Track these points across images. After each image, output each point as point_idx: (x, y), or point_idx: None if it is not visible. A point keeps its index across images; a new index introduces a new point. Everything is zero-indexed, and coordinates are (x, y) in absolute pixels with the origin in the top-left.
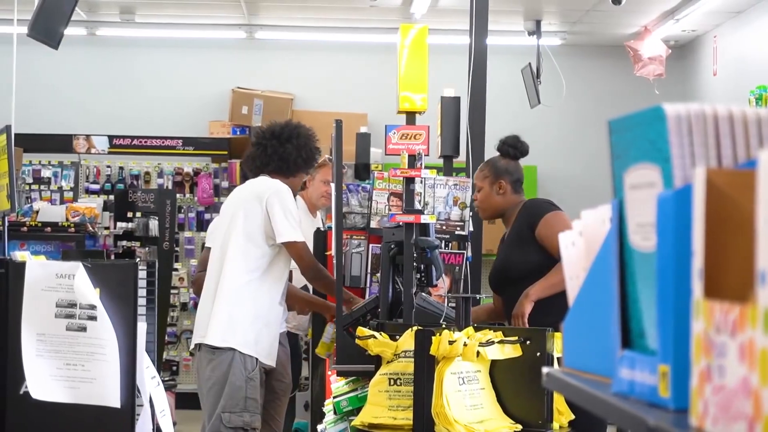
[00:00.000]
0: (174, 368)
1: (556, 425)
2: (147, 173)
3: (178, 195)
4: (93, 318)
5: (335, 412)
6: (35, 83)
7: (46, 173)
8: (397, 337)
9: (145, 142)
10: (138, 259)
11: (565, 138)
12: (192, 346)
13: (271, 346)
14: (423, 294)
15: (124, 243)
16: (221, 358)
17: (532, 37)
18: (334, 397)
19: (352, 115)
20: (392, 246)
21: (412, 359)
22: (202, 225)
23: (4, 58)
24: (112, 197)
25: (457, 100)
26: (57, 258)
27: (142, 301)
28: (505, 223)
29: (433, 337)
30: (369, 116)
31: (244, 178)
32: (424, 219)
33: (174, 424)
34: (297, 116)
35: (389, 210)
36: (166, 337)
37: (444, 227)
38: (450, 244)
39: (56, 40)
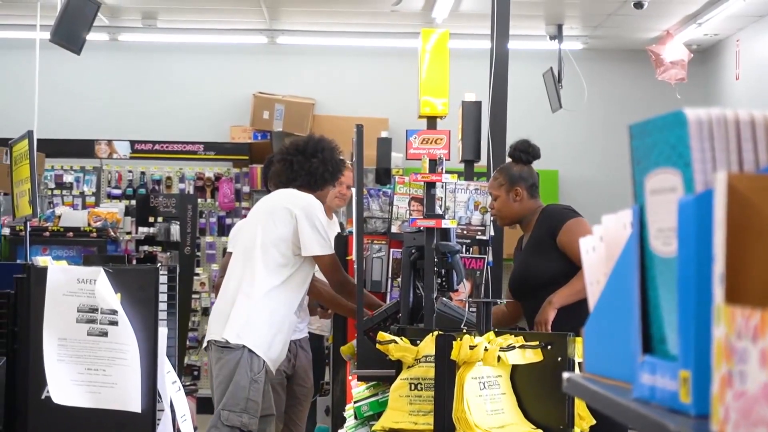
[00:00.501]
0: (195, 373)
1: (577, 430)
2: (168, 178)
3: (199, 200)
4: (114, 323)
5: (356, 417)
6: (58, 88)
7: (68, 178)
8: (418, 341)
9: (167, 147)
10: (159, 264)
11: (586, 143)
12: (204, 345)
13: (280, 353)
14: (444, 299)
15: (146, 248)
16: (229, 357)
17: (553, 42)
18: (355, 402)
19: (373, 120)
20: (413, 251)
21: (433, 364)
22: (224, 230)
23: (28, 63)
24: (133, 202)
25: (478, 104)
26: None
27: (163, 306)
28: (523, 228)
29: (453, 342)
30: (390, 121)
31: (269, 191)
32: (445, 224)
33: (195, 428)
34: (318, 121)
35: (410, 215)
36: (188, 342)
37: (465, 232)
38: (471, 249)
39: (78, 46)
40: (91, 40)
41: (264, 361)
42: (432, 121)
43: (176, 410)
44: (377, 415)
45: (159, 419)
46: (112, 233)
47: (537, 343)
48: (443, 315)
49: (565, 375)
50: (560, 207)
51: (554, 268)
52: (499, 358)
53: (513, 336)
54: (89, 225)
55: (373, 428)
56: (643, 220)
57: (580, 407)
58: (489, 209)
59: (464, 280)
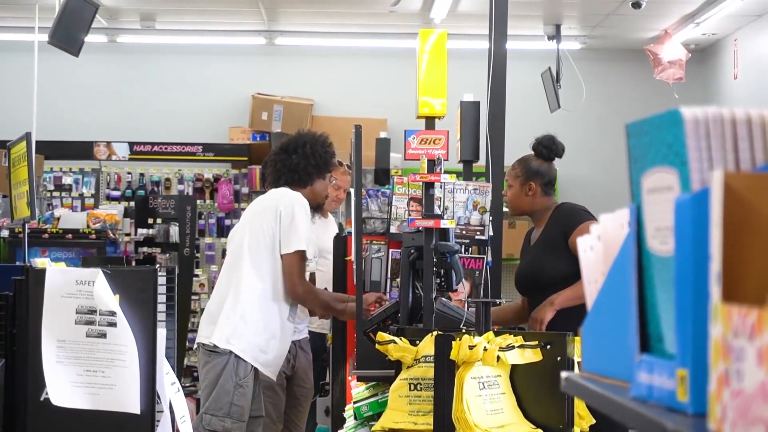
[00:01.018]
0: (195, 374)
1: (576, 430)
2: (167, 179)
3: (198, 201)
4: (113, 324)
5: (355, 418)
6: (56, 90)
7: (67, 180)
8: (417, 342)
9: (166, 148)
10: (158, 266)
11: (585, 142)
12: (195, 345)
13: (276, 358)
14: (443, 299)
15: (145, 249)
16: (216, 361)
17: (551, 42)
18: (355, 403)
19: (371, 121)
20: (412, 251)
21: (432, 364)
22: (223, 231)
23: (26, 65)
24: (132, 204)
25: (476, 104)
26: (77, 265)
27: (161, 308)
28: (534, 222)
29: (453, 342)
30: (389, 121)
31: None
32: (444, 224)
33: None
34: (317, 122)
35: (409, 215)
36: (187, 343)
37: (464, 232)
38: (470, 249)
39: (77, 48)
40: (90, 41)
41: (252, 366)
42: (430, 122)
43: (175, 411)
44: (377, 416)
45: (158, 420)
46: (111, 235)
47: (536, 342)
48: (442, 315)
49: (564, 374)
50: (576, 207)
51: (564, 268)
52: (498, 357)
53: (512, 336)
54: (88, 227)
55: (373, 428)
56: (640, 219)
57: (579, 407)
58: (503, 194)
59: (463, 280)
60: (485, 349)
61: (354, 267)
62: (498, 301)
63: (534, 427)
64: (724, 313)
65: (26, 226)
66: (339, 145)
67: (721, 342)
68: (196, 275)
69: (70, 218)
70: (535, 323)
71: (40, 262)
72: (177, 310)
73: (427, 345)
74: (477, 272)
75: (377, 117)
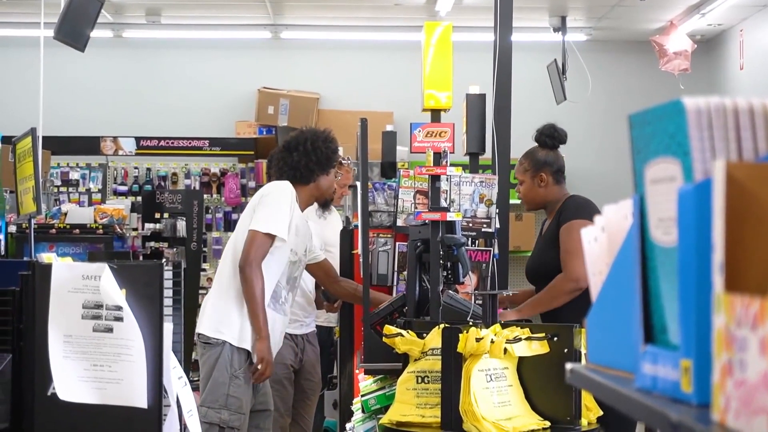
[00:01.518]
0: None
1: (584, 421)
2: (174, 174)
3: (205, 195)
4: (119, 319)
5: (363, 411)
6: (62, 86)
7: (74, 175)
8: (425, 334)
9: (172, 143)
10: (165, 260)
11: (591, 134)
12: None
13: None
14: (450, 291)
15: (152, 244)
16: (210, 353)
17: (557, 34)
18: (362, 396)
19: (377, 114)
20: (419, 244)
21: (440, 357)
22: (230, 225)
23: (32, 61)
24: (139, 198)
25: (482, 97)
26: (83, 259)
27: (168, 302)
28: (547, 214)
29: (460, 335)
30: (395, 114)
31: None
32: (450, 216)
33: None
34: (323, 116)
35: (415, 208)
36: (194, 338)
37: (470, 224)
38: (477, 242)
39: (82, 43)
40: (95, 36)
41: (247, 356)
42: (436, 114)
43: (183, 405)
44: (384, 409)
45: (165, 414)
46: (119, 230)
47: (543, 334)
48: (449, 308)
49: (569, 366)
50: (580, 202)
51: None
52: (505, 350)
53: (519, 328)
54: (95, 222)
55: (381, 421)
56: (643, 210)
57: (587, 398)
58: (516, 192)
59: (470, 272)
60: (492, 342)
61: (361, 260)
62: (505, 292)
63: (541, 419)
64: (727, 303)
65: (32, 221)
66: (345, 139)
67: (724, 332)
68: (204, 269)
69: (78, 213)
70: (503, 317)
71: (46, 257)
72: (184, 305)
73: (434, 338)
74: (484, 265)
75: (383, 110)
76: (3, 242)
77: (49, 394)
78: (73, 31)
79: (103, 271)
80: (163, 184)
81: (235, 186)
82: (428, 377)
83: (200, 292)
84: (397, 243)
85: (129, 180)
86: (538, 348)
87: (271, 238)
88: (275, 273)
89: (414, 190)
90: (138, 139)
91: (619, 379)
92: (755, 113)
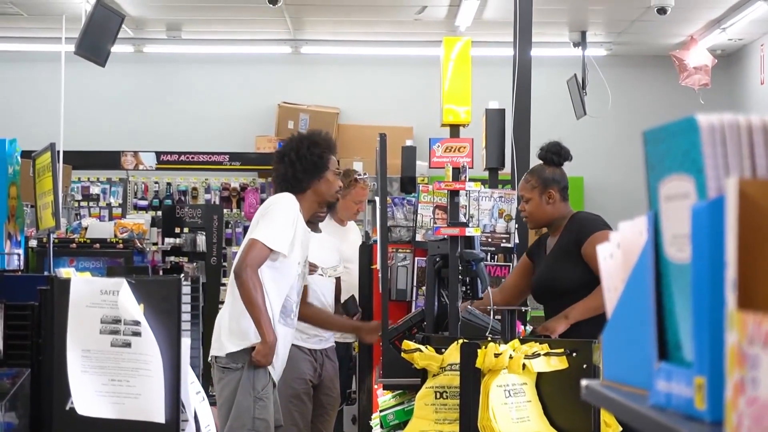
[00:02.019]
0: None
1: None
2: (194, 189)
3: (225, 210)
4: (137, 334)
5: (382, 426)
6: (83, 101)
7: (94, 190)
8: (443, 350)
9: (192, 157)
10: (184, 275)
11: (611, 149)
12: (209, 359)
13: (281, 363)
14: (469, 307)
15: (172, 258)
16: (230, 377)
17: (577, 48)
18: (381, 411)
19: (397, 129)
20: (437, 259)
21: (458, 372)
22: None
23: (53, 75)
24: (159, 213)
25: (501, 112)
26: (103, 274)
27: (186, 317)
28: (551, 231)
29: (478, 350)
30: (414, 129)
31: None
32: (469, 232)
33: None
34: (342, 130)
35: (434, 223)
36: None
37: (489, 239)
38: (495, 257)
39: (103, 58)
40: (116, 52)
41: (270, 375)
42: (455, 129)
43: (200, 420)
44: (403, 424)
45: (183, 429)
46: (139, 244)
47: (562, 350)
48: (468, 323)
49: (584, 382)
50: (590, 217)
51: (578, 277)
52: (524, 365)
53: (538, 344)
54: (116, 236)
55: None
56: (657, 226)
57: (606, 414)
58: (520, 211)
59: (489, 288)
60: (511, 357)
61: (380, 275)
62: (523, 309)
63: None
64: (739, 320)
65: (51, 236)
66: (365, 154)
67: (737, 349)
68: (223, 284)
69: (98, 228)
70: (544, 331)
71: (64, 272)
72: (203, 319)
73: (453, 353)
74: (503, 280)
75: (403, 125)
76: (23, 257)
77: (67, 408)
78: (94, 46)
79: (121, 286)
80: (183, 198)
81: (255, 201)
82: (447, 392)
83: (220, 306)
84: (416, 258)
85: (149, 194)
86: (556, 363)
87: (270, 250)
88: (284, 288)
89: (433, 205)
90: (158, 154)
91: (633, 395)
92: None
